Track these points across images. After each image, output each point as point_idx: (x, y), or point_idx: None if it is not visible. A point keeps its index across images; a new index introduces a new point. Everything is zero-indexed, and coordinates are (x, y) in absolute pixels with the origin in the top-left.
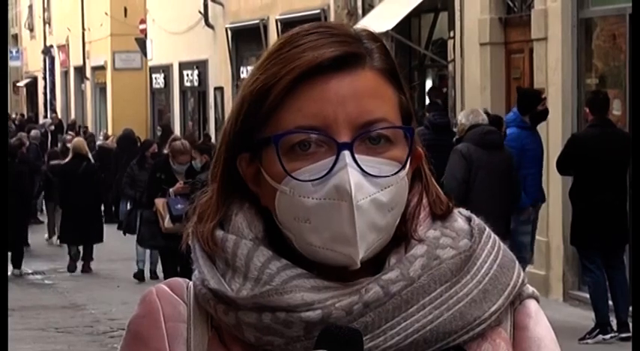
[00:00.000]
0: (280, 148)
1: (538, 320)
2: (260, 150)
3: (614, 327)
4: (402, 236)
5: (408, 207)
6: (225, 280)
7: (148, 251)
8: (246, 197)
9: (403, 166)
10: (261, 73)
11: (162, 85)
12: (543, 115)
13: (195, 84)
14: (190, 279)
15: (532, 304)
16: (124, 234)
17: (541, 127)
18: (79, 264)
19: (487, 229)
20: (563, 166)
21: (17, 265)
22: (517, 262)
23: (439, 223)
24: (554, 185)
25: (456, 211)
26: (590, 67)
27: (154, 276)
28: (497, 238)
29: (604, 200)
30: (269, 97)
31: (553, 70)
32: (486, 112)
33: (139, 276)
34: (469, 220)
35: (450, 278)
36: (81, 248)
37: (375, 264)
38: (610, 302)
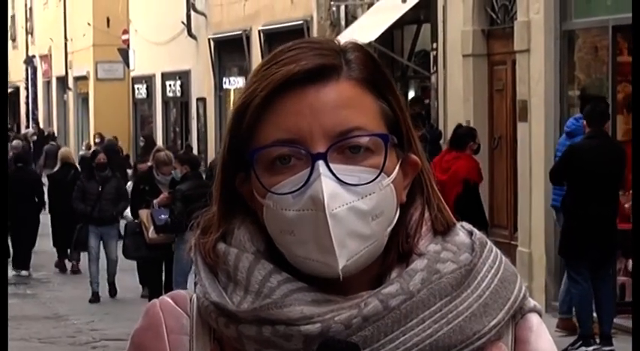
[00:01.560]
0: (261, 162)
1: (540, 334)
2: (249, 168)
3: (597, 339)
4: (405, 253)
5: (410, 222)
6: (226, 293)
7: (100, 270)
8: (248, 213)
9: (381, 172)
10: (244, 91)
11: (144, 96)
12: None
13: (178, 94)
14: (173, 289)
15: (534, 318)
16: (76, 250)
17: (523, 140)
18: (69, 266)
19: (489, 242)
20: (557, 176)
21: (24, 266)
22: (519, 276)
23: (440, 236)
24: (537, 196)
25: (457, 224)
26: (573, 79)
27: (113, 293)
28: (498, 251)
29: (600, 212)
30: (247, 115)
31: (536, 82)
32: (459, 125)
33: (96, 298)
34: (470, 233)
35: (451, 292)
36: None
37: (377, 278)
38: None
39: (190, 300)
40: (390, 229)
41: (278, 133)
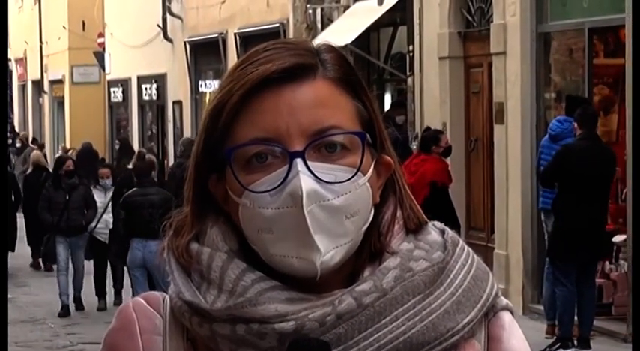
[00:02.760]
0: (237, 161)
1: (512, 332)
2: (223, 168)
3: (575, 342)
4: (377, 252)
5: (382, 221)
6: (200, 293)
7: (71, 283)
8: (221, 213)
9: (358, 171)
10: (219, 91)
11: (120, 99)
12: None
13: (154, 98)
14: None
15: (506, 316)
16: (44, 263)
17: (499, 142)
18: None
19: (461, 241)
20: (549, 178)
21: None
22: (491, 274)
23: (413, 235)
24: (514, 199)
25: (430, 223)
26: (549, 81)
27: (79, 307)
28: (470, 250)
29: (590, 215)
30: (223, 113)
31: (512, 84)
32: (426, 128)
33: (65, 312)
34: (443, 232)
35: (424, 290)
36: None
37: (350, 277)
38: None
39: (163, 300)
40: (364, 228)
41: (255, 132)
